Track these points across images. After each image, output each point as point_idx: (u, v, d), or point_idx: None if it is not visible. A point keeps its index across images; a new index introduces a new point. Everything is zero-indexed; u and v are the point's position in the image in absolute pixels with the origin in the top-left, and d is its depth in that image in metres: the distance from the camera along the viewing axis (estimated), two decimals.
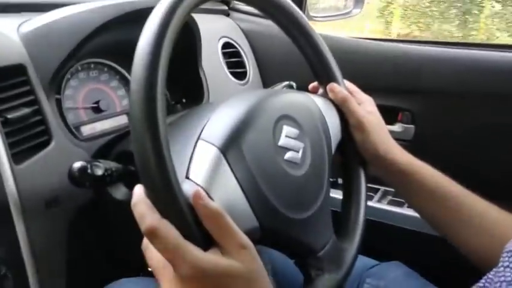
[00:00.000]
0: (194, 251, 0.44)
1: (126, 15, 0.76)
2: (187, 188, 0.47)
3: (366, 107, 0.75)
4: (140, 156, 0.44)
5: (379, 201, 0.97)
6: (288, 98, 0.67)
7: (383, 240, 0.95)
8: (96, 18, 0.74)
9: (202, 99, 0.93)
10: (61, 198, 0.66)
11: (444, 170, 0.72)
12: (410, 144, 0.93)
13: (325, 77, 0.75)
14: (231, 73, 1.02)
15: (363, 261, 0.81)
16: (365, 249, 0.80)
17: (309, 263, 0.62)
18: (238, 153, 0.55)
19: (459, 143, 0.89)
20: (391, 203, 0.95)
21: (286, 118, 0.63)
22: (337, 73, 0.75)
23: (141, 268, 0.78)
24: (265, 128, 0.60)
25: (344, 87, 0.75)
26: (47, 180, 0.65)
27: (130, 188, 0.68)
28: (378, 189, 0.99)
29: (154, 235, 0.44)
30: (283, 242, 0.60)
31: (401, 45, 0.92)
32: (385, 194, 0.98)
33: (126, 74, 0.91)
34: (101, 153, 0.73)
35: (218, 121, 0.59)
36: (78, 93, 0.83)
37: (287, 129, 0.62)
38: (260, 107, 0.61)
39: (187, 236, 0.44)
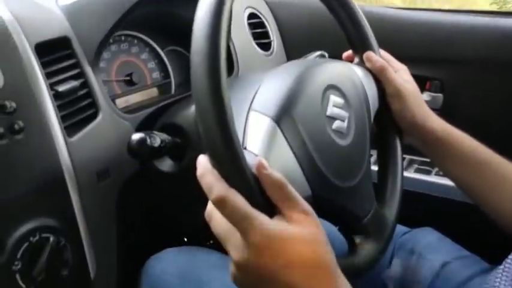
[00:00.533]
0: (261, 218, 0.45)
1: None
2: (249, 159, 0.48)
3: (402, 76, 0.76)
4: (206, 128, 0.44)
5: (405, 169, 0.98)
6: (332, 67, 0.67)
7: (411, 208, 0.97)
8: None
9: (233, 71, 0.92)
10: (111, 171, 0.66)
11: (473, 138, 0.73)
12: (438, 114, 0.93)
13: (361, 46, 0.75)
14: (257, 44, 1.02)
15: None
16: None
17: (354, 230, 0.64)
18: (292, 123, 0.56)
19: (488, 112, 0.90)
20: (417, 171, 0.97)
21: (332, 88, 0.63)
22: (374, 42, 0.76)
23: (184, 239, 0.80)
24: (314, 98, 0.60)
25: (380, 56, 0.75)
26: (97, 153, 0.66)
27: (176, 160, 0.70)
28: (404, 158, 1.00)
29: (223, 203, 0.45)
30: (331, 210, 0.61)
31: (430, 13, 0.92)
32: (411, 162, 1.00)
33: (156, 47, 0.90)
34: (144, 125, 0.73)
35: (268, 91, 0.59)
36: (111, 65, 0.83)
37: (334, 99, 0.62)
38: (308, 77, 0.62)
39: (253, 204, 0.45)
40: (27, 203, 0.56)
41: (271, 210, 0.46)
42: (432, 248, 0.79)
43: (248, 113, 0.56)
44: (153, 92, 0.89)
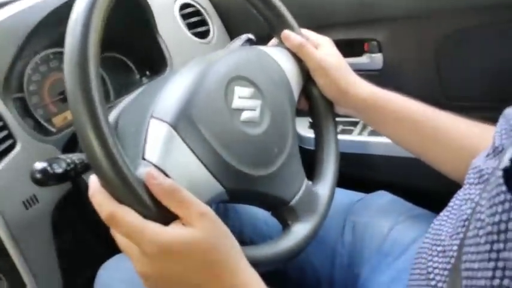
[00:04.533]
0: (154, 228, 0.46)
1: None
2: (143, 170, 0.48)
3: (323, 49, 0.74)
4: (86, 147, 0.45)
5: (360, 133, 0.97)
6: (237, 57, 0.66)
7: (370, 172, 0.97)
8: (38, 12, 0.74)
9: (166, 67, 0.92)
10: (39, 196, 0.68)
11: (416, 93, 0.72)
12: (381, 74, 0.92)
13: (277, 25, 0.74)
14: (194, 34, 1.01)
15: (348, 196, 0.83)
16: (351, 182, 0.81)
17: (283, 213, 0.64)
18: (190, 125, 0.55)
19: (428, 64, 0.88)
20: (371, 134, 0.96)
21: (237, 79, 0.62)
22: (290, 20, 0.74)
23: None
24: (216, 94, 0.59)
25: (300, 34, 0.74)
26: (20, 182, 0.67)
27: None
28: (357, 122, 0.99)
29: (113, 221, 0.46)
30: (252, 199, 0.62)
31: None
32: (365, 126, 0.98)
33: None
34: (70, 144, 0.74)
35: (166, 95, 0.58)
36: (43, 86, 0.84)
37: (239, 90, 0.61)
38: (207, 74, 0.61)
39: (147, 216, 0.46)
40: None
41: (166, 218, 0.47)
42: (382, 212, 0.79)
43: (149, 121, 0.56)
44: None
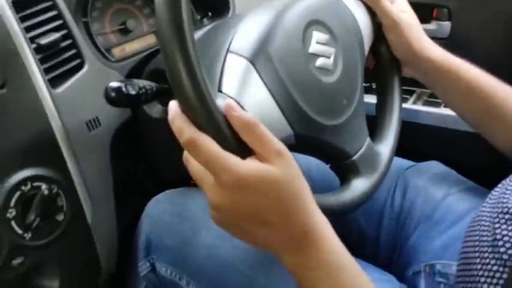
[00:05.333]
0: (233, 159, 0.45)
1: None
2: (221, 102, 0.48)
3: (398, 6, 0.73)
4: (172, 72, 0.44)
5: (414, 103, 0.95)
6: (315, 1, 0.65)
7: (420, 141, 0.95)
8: None
9: (229, 11, 0.91)
10: (101, 119, 0.68)
11: (482, 66, 0.70)
12: (446, 42, 0.89)
13: None
14: None
15: (400, 162, 0.82)
16: (403, 151, 0.80)
17: (344, 167, 0.63)
18: (268, 63, 0.55)
19: (498, 37, 0.85)
20: (426, 104, 0.94)
21: (315, 23, 0.61)
22: None
23: (181, 181, 0.82)
24: (294, 36, 0.59)
25: None
26: (85, 103, 0.67)
27: (165, 105, 0.70)
28: (414, 91, 0.97)
29: (193, 147, 0.46)
30: (318, 148, 0.61)
31: None
32: (420, 95, 0.97)
33: None
34: (134, 72, 0.74)
35: (245, 32, 0.58)
36: (105, 14, 0.83)
37: (317, 35, 0.61)
38: (287, 14, 0.60)
39: (224, 147, 0.46)
40: (16, 154, 0.58)
41: (244, 152, 0.47)
42: (435, 181, 0.78)
43: (226, 55, 0.56)
44: (151, 38, 0.88)
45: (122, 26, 0.84)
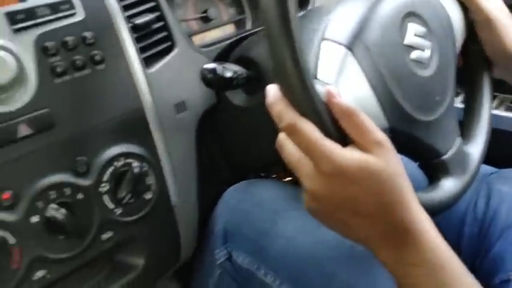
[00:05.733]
0: (333, 146, 0.44)
1: None
2: (319, 88, 0.47)
3: (492, 2, 0.70)
4: (277, 57, 0.44)
5: (496, 108, 0.92)
6: None
7: (502, 147, 0.91)
8: None
9: (308, 4, 0.90)
10: (188, 103, 0.68)
11: None
12: None
13: None
14: None
15: (482, 168, 0.79)
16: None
17: (434, 166, 0.62)
18: (366, 51, 0.54)
19: None
20: (509, 109, 0.91)
21: (413, 15, 0.60)
22: None
23: (260, 170, 0.82)
24: (391, 26, 0.57)
25: None
26: (174, 85, 0.67)
27: (249, 93, 0.70)
28: (496, 96, 0.94)
29: (294, 131, 0.45)
30: (409, 144, 0.59)
31: None
32: (503, 101, 0.93)
33: None
34: (220, 59, 0.74)
35: (341, 19, 0.57)
36: (188, 1, 0.84)
37: (414, 27, 0.59)
38: (384, 4, 0.59)
39: (325, 133, 0.45)
40: (110, 130, 0.59)
41: (344, 139, 0.46)
42: None
43: (320, 42, 0.55)
44: (230, 28, 0.89)
45: (204, 14, 0.84)
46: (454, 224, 0.76)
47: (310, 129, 0.44)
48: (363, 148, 0.45)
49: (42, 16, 0.55)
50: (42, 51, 0.54)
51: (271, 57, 0.45)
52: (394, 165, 0.46)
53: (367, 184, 0.44)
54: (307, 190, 0.47)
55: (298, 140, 0.45)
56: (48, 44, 0.55)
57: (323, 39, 0.55)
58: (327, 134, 0.45)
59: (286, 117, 0.45)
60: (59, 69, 0.55)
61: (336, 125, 0.46)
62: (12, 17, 0.53)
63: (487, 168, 0.80)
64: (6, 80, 0.51)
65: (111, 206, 0.59)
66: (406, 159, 0.64)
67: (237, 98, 0.71)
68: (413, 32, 0.59)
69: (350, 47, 0.53)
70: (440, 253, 0.46)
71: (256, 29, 0.83)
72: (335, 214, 0.47)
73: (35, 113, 0.53)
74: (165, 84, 0.66)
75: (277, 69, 0.45)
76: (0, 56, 0.51)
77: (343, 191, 0.45)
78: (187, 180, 0.70)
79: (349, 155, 0.44)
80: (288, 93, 0.45)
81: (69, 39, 0.56)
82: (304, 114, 0.45)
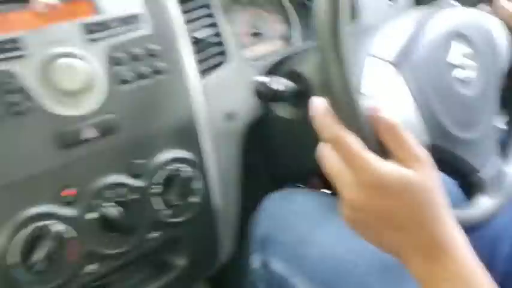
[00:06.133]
0: (375, 159, 0.46)
1: None
2: (363, 102, 0.48)
3: None
4: (326, 70, 0.46)
5: None
6: (458, 14, 0.65)
7: None
8: None
9: (355, 19, 0.92)
10: (237, 113, 0.72)
11: None
12: None
13: None
14: None
15: None
16: None
17: (471, 183, 0.63)
18: (411, 68, 0.56)
19: None
20: None
21: (457, 35, 0.62)
22: None
23: (299, 181, 0.85)
24: (437, 44, 0.59)
25: None
26: (225, 95, 0.71)
27: (296, 106, 0.73)
28: None
29: (337, 142, 0.47)
30: (449, 161, 0.61)
31: None
32: None
33: None
34: (270, 73, 0.77)
35: (387, 37, 0.60)
36: (240, 17, 0.87)
37: (459, 47, 0.61)
38: (430, 23, 0.61)
39: (367, 146, 0.46)
40: (165, 135, 0.63)
41: (385, 153, 0.47)
42: None
43: (367, 58, 0.58)
44: (278, 43, 0.92)
45: (254, 30, 0.88)
46: (490, 243, 0.76)
47: (353, 141, 0.46)
48: (403, 163, 0.47)
49: (115, 28, 0.59)
50: (112, 61, 0.58)
51: (320, 70, 0.47)
52: (432, 181, 0.47)
53: (405, 197, 0.46)
54: (345, 200, 0.48)
55: (340, 151, 0.47)
56: (119, 54, 0.59)
57: (370, 55, 0.57)
58: (369, 147, 0.47)
59: (330, 129, 0.47)
60: (125, 78, 0.59)
61: (378, 139, 0.48)
62: (88, 28, 0.57)
63: None
64: (77, 86, 0.55)
65: (160, 207, 0.62)
66: (445, 177, 0.65)
67: (283, 110, 0.74)
68: (458, 51, 0.60)
69: (396, 64, 0.56)
70: (472, 270, 0.47)
71: (305, 45, 0.86)
72: (371, 224, 0.48)
73: (102, 117, 0.57)
74: (217, 95, 0.69)
75: (324, 82, 0.47)
76: (73, 63, 0.55)
77: (380, 203, 0.46)
78: (231, 186, 0.73)
79: (389, 168, 0.46)
80: (333, 105, 0.47)
81: (137, 50, 0.60)
82: (348, 126, 0.47)
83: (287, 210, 0.74)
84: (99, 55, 0.58)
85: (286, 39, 0.93)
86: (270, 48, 0.90)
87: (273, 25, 0.92)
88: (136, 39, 0.60)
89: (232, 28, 0.84)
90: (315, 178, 0.89)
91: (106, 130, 0.58)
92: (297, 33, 0.94)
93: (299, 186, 0.85)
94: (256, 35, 0.89)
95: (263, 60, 0.79)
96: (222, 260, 0.75)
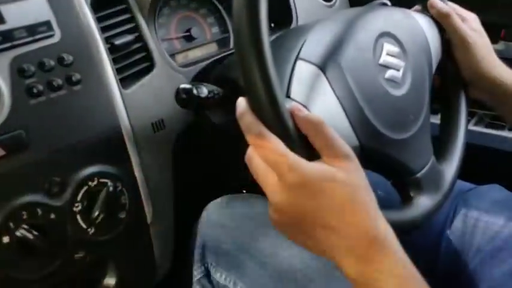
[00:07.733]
0: (298, 159, 0.45)
1: None
2: (288, 106, 0.47)
3: (469, 24, 0.71)
4: (247, 71, 0.45)
5: (476, 124, 0.93)
6: (387, 14, 0.65)
7: (481, 164, 0.92)
8: None
9: (291, 23, 0.91)
10: (166, 122, 0.69)
11: None
12: None
13: None
14: None
15: (459, 184, 0.80)
16: (462, 173, 0.78)
17: (407, 184, 0.62)
18: (338, 71, 0.55)
19: None
20: (488, 126, 0.92)
21: (387, 35, 0.61)
22: None
23: (239, 187, 0.82)
24: (365, 46, 0.59)
25: (446, 3, 0.71)
26: (152, 104, 0.68)
27: (227, 112, 0.71)
28: (476, 112, 0.95)
29: (260, 143, 0.46)
30: (382, 162, 0.60)
31: None
32: (482, 117, 0.94)
33: (215, 1, 0.90)
34: (198, 78, 0.75)
35: (316, 40, 0.59)
36: (171, 21, 0.85)
37: (388, 47, 0.60)
38: (359, 24, 0.60)
39: (291, 148, 0.46)
40: (85, 150, 0.60)
41: (310, 153, 0.46)
42: (497, 205, 0.75)
43: (295, 61, 0.56)
44: (213, 47, 0.89)
45: (187, 33, 0.85)
46: (431, 241, 0.76)
47: (276, 142, 0.45)
48: (328, 161, 0.46)
49: (20, 38, 0.55)
50: (17, 73, 0.55)
51: (242, 71, 0.45)
52: (358, 179, 0.46)
53: (331, 196, 0.45)
54: (271, 203, 0.47)
55: (263, 153, 0.46)
56: (25, 65, 0.55)
57: (298, 58, 0.56)
58: (294, 148, 0.45)
59: (254, 129, 0.46)
60: (34, 90, 0.55)
61: (303, 140, 0.46)
62: None
63: (465, 185, 0.80)
64: None
65: (84, 225, 0.59)
66: (380, 177, 0.64)
67: (213, 116, 0.72)
68: (386, 51, 0.60)
69: (323, 67, 0.55)
70: (404, 266, 0.46)
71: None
72: (299, 226, 0.47)
73: (8, 135, 0.54)
74: (142, 104, 0.67)
75: (247, 83, 0.46)
76: None
77: (306, 203, 0.45)
78: (164, 199, 0.70)
79: (314, 167, 0.45)
80: (256, 107, 0.46)
81: (46, 60, 0.56)
82: (269, 127, 0.46)
83: (227, 218, 0.72)
84: (2, 68, 0.54)
85: (221, 42, 0.91)
86: (204, 52, 0.87)
87: (207, 28, 0.90)
88: (45, 48, 0.57)
89: (161, 33, 0.81)
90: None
91: (14, 148, 0.54)
92: (231, 37, 0.92)
93: (241, 192, 0.83)
94: (189, 38, 0.86)
95: (195, 66, 0.77)
96: (159, 276, 0.72)
